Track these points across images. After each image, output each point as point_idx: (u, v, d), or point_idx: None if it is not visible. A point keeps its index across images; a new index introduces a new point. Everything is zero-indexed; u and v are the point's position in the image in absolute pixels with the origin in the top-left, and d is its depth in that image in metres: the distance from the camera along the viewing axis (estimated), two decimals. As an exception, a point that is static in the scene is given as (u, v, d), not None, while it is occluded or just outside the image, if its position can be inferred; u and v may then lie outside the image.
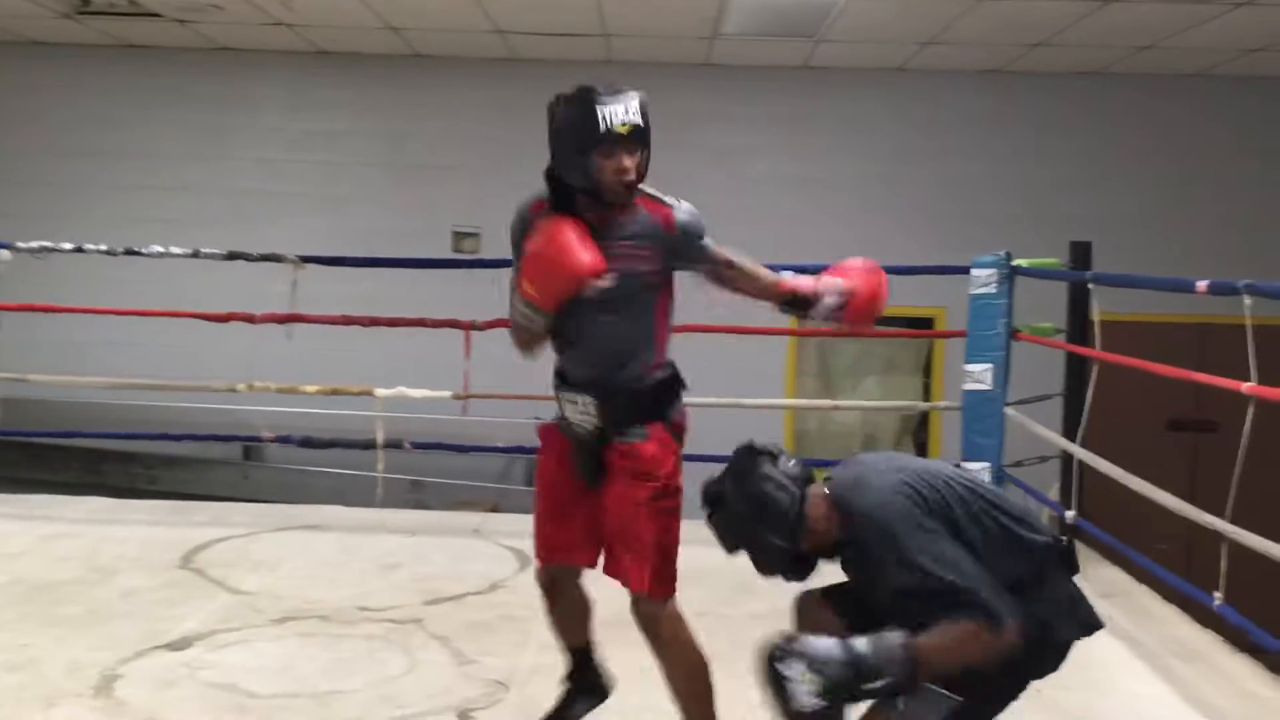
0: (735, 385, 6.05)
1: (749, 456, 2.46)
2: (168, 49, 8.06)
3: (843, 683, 2.16)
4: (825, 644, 2.19)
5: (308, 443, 5.44)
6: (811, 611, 2.56)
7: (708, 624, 3.75)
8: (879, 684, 2.17)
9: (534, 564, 2.73)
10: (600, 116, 2.36)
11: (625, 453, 2.53)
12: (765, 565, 2.48)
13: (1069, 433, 4.82)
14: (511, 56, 7.88)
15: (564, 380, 2.63)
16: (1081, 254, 5.01)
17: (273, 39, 7.73)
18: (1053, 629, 2.38)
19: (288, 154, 8.17)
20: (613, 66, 7.99)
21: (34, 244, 5.28)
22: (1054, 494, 5.10)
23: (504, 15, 6.99)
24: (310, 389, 5.41)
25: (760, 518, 2.39)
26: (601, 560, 2.62)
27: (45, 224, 6.71)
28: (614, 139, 2.37)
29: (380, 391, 5.18)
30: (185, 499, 5.80)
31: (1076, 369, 4.95)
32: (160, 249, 5.37)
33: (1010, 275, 4.85)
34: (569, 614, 2.78)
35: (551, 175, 2.48)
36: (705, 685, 2.62)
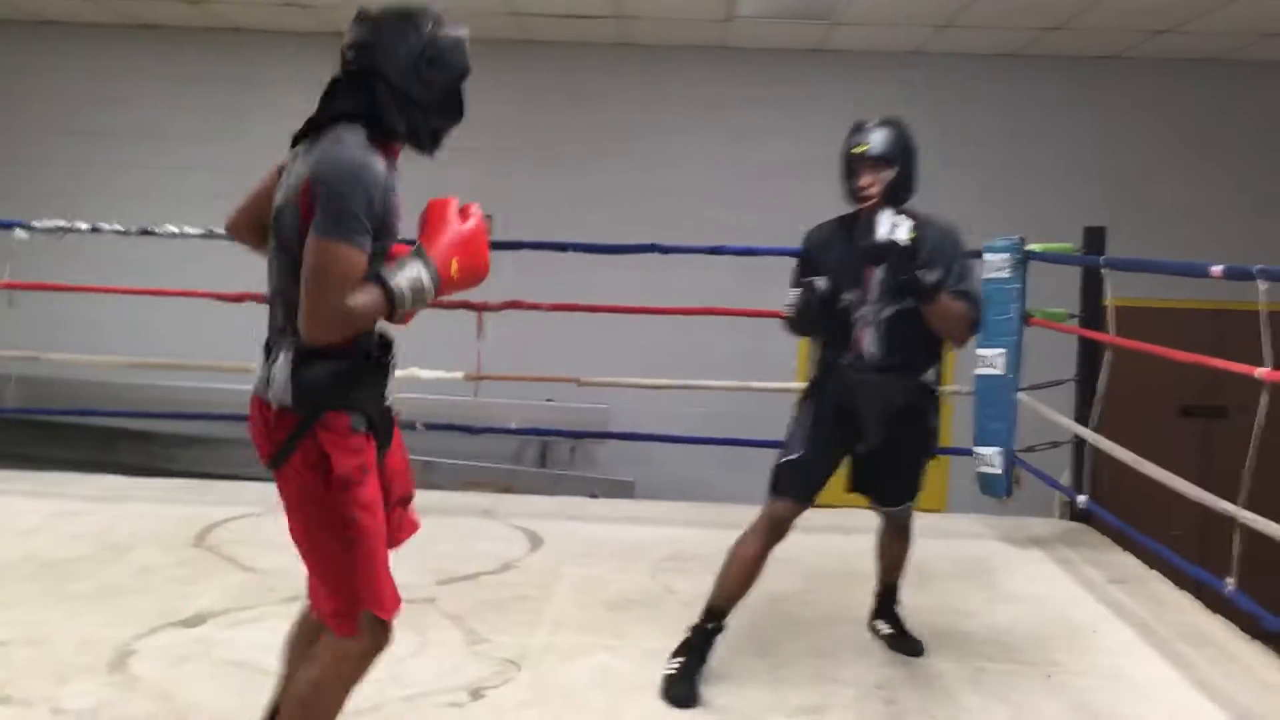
0: (745, 369, 6.06)
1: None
2: (182, 29, 8.07)
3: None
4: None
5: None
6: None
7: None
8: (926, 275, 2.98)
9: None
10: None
11: None
12: (894, 195, 3.10)
13: (1081, 418, 4.81)
14: (526, 38, 7.86)
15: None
16: (1095, 239, 4.99)
17: (287, 20, 7.72)
18: None
19: (302, 134, 8.16)
20: (627, 49, 7.98)
21: (50, 223, 5.30)
22: (1066, 479, 5.10)
23: (518, -4, 6.98)
24: (323, 369, 5.42)
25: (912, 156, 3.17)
26: None
27: (60, 204, 6.72)
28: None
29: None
30: (199, 478, 5.83)
31: (1089, 354, 4.94)
32: (174, 229, 5.39)
33: (1024, 260, 4.83)
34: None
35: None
36: None
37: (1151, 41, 7.41)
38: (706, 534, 4.60)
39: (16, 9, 7.83)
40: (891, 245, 2.94)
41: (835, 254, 3.16)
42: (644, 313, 5.67)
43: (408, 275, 2.10)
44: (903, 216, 2.98)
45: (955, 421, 8.03)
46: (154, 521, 4.60)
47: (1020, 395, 4.86)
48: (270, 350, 2.17)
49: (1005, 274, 4.85)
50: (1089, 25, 7.06)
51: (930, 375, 3.22)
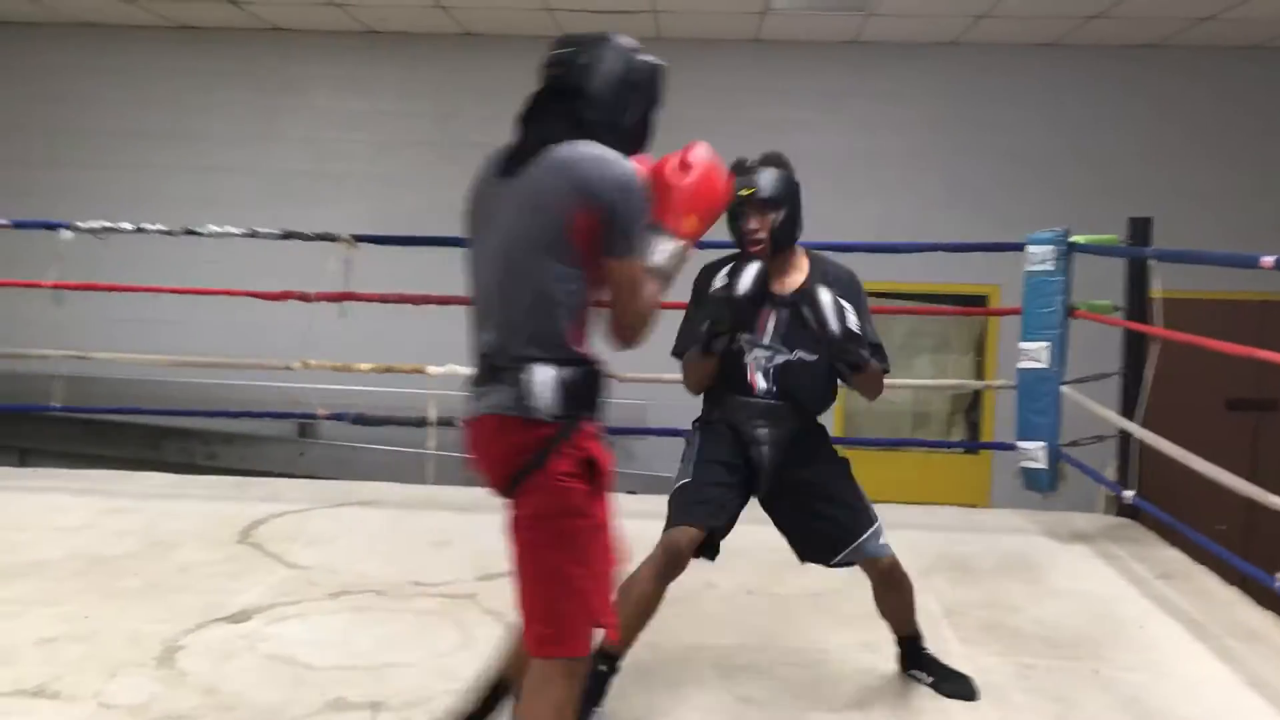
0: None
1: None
2: (220, 29, 8.14)
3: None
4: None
5: (361, 420, 5.50)
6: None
7: (755, 601, 3.77)
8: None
9: None
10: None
11: None
12: (783, 237, 2.95)
13: (1127, 411, 4.75)
14: (560, 34, 7.86)
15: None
16: (1141, 230, 4.92)
17: (324, 19, 7.78)
18: None
19: (339, 133, 8.23)
20: (662, 43, 7.95)
21: (94, 224, 5.36)
22: (1111, 473, 5.04)
23: (553, -8, 6.99)
24: (364, 367, 5.47)
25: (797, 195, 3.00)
26: None
27: (103, 205, 6.81)
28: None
29: (432, 369, 5.21)
30: (242, 475, 5.88)
31: (1135, 347, 4.88)
32: (217, 229, 5.44)
33: (1068, 252, 4.77)
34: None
35: None
36: None
37: (1194, 29, 7.30)
38: (743, 529, 4.56)
39: (58, 12, 7.93)
40: (848, 334, 2.81)
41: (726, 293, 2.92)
42: (682, 308, 5.65)
43: (663, 253, 2.19)
44: (830, 297, 2.84)
45: (998, 415, 8.03)
46: (199, 519, 4.64)
47: (1064, 389, 4.81)
48: (493, 369, 2.15)
49: (1049, 266, 4.80)
50: (1129, 13, 6.96)
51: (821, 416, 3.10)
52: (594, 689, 2.80)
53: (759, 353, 3.00)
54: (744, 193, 2.93)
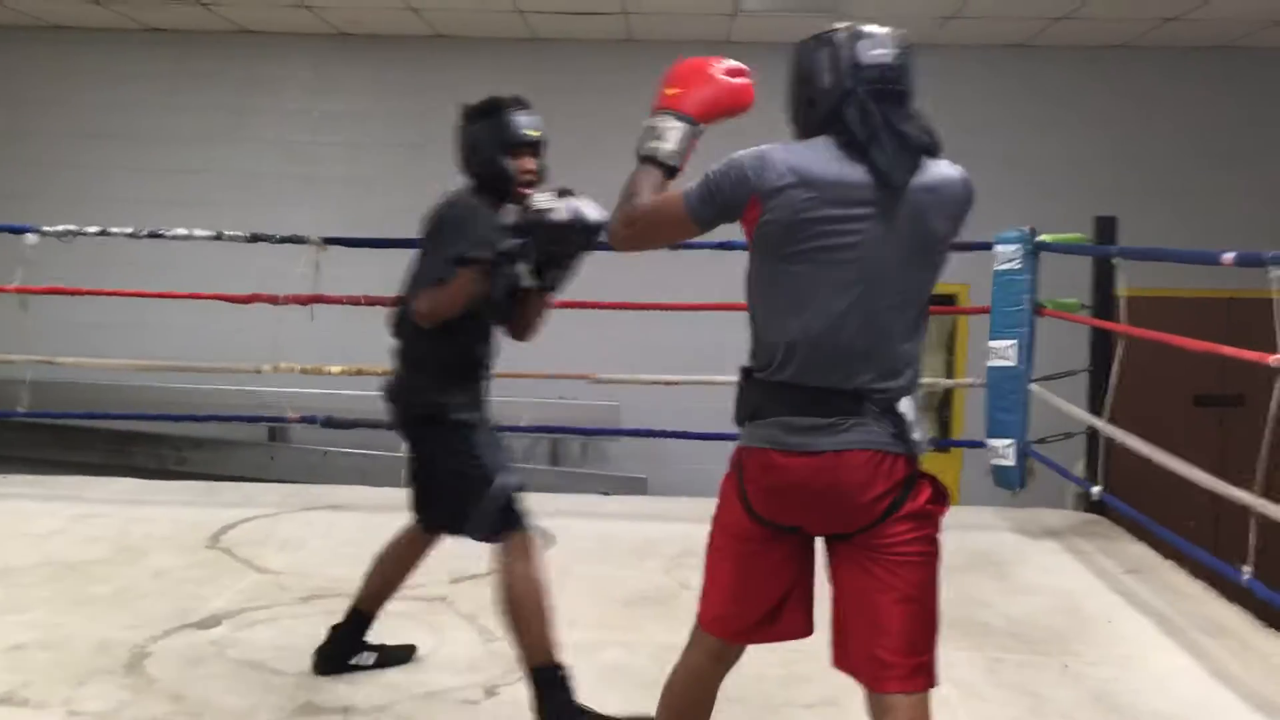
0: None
1: None
2: (191, 32, 8.09)
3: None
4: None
5: (331, 423, 5.47)
6: None
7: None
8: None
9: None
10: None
11: None
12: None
13: (1094, 408, 4.79)
14: (532, 36, 7.87)
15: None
16: (1107, 229, 4.97)
17: (294, 21, 7.74)
18: None
19: (310, 135, 8.19)
20: (632, 45, 7.97)
21: (59, 227, 5.31)
22: (1079, 470, 5.08)
23: (523, -6, 6.98)
24: (334, 370, 5.44)
25: None
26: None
27: (70, 207, 6.75)
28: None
29: (403, 372, 5.19)
30: (212, 480, 5.84)
31: (1102, 344, 4.93)
32: (184, 231, 5.40)
33: (1034, 251, 4.81)
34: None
35: None
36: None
37: (1159, 30, 7.38)
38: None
39: (28, 14, 7.85)
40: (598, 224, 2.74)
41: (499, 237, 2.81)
42: (655, 309, 5.66)
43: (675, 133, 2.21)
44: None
45: (967, 414, 8.08)
46: (168, 524, 4.61)
47: (1032, 386, 4.85)
48: (856, 400, 1.98)
49: (1016, 265, 4.84)
50: (1096, 14, 7.03)
51: None
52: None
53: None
54: (535, 134, 2.90)
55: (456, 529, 2.91)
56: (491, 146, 2.87)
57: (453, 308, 2.77)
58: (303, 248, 5.23)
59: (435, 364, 2.89)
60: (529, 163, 2.89)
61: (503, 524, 2.84)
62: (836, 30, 2.12)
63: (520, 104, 2.93)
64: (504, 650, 3.29)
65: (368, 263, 5.60)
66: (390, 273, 7.02)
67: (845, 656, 2.06)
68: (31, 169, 8.08)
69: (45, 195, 7.73)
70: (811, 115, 2.09)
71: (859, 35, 2.10)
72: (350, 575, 3.97)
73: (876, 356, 1.99)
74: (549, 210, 2.74)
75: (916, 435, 2.01)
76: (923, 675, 2.01)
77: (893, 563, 1.98)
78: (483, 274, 2.75)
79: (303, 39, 8.11)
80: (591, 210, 2.76)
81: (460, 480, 2.86)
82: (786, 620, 2.11)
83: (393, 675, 3.11)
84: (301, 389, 6.51)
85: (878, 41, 2.11)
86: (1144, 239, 5.26)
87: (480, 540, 2.86)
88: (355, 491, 5.34)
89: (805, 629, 2.13)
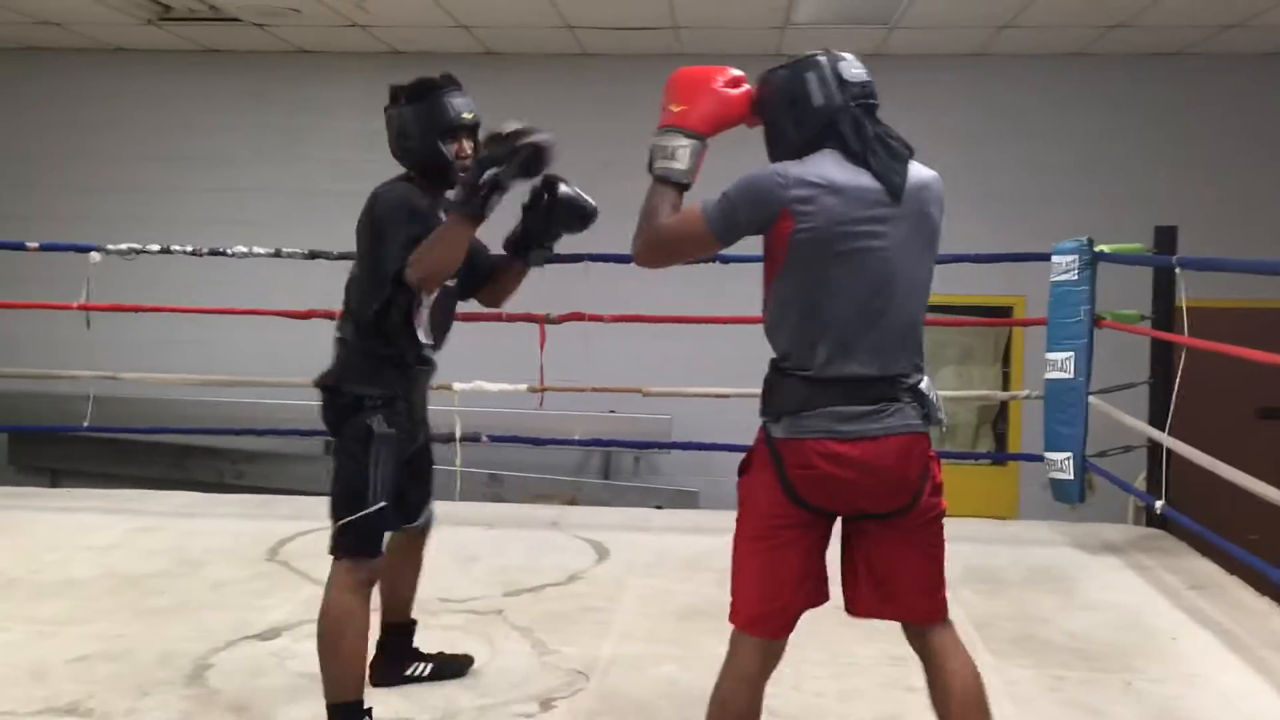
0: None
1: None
2: (246, 53, 8.24)
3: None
4: None
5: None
6: None
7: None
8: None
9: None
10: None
11: None
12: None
13: (1156, 421, 4.71)
14: (581, 51, 7.91)
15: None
16: (1167, 238, 4.89)
17: (348, 40, 7.85)
18: None
19: (362, 154, 8.24)
20: (682, 59, 7.97)
21: (122, 246, 5.42)
22: (1140, 484, 5.00)
23: (574, 10, 7.02)
24: (388, 384, 5.48)
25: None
26: None
27: (132, 227, 6.89)
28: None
29: (458, 385, 5.23)
30: (269, 493, 5.91)
31: (1163, 356, 4.85)
32: (244, 249, 5.48)
33: (1092, 261, 4.75)
34: None
35: None
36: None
37: (1219, 37, 7.26)
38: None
39: (87, 38, 8.03)
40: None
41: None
42: (706, 322, 5.66)
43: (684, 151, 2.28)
44: None
45: (1025, 427, 7.97)
46: (227, 537, 4.67)
47: (1092, 399, 4.78)
48: (893, 386, 2.20)
49: (1073, 276, 4.78)
50: (1152, 22, 6.93)
51: None
52: None
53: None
54: (470, 116, 2.83)
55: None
56: (426, 131, 2.76)
57: (454, 257, 2.69)
58: (358, 264, 5.28)
59: (366, 355, 2.77)
60: (465, 147, 2.79)
61: (349, 548, 2.73)
62: (816, 54, 2.26)
63: (454, 84, 2.84)
64: (559, 663, 3.31)
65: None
66: (444, 288, 7.08)
67: (886, 607, 2.30)
68: (89, 190, 8.24)
69: (102, 216, 7.86)
70: (801, 134, 2.22)
71: (837, 57, 2.25)
72: (406, 588, 4.02)
73: (907, 345, 2.22)
74: (524, 132, 2.64)
75: (941, 415, 2.25)
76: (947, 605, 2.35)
77: (922, 526, 2.25)
78: (472, 218, 2.66)
79: (355, 58, 8.22)
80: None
81: (340, 482, 2.75)
82: (814, 597, 2.28)
83: (449, 688, 3.12)
84: (356, 403, 6.57)
85: (852, 62, 2.26)
86: (1205, 249, 5.18)
87: (329, 551, 2.76)
88: (410, 505, 5.38)
89: (825, 597, 2.30)
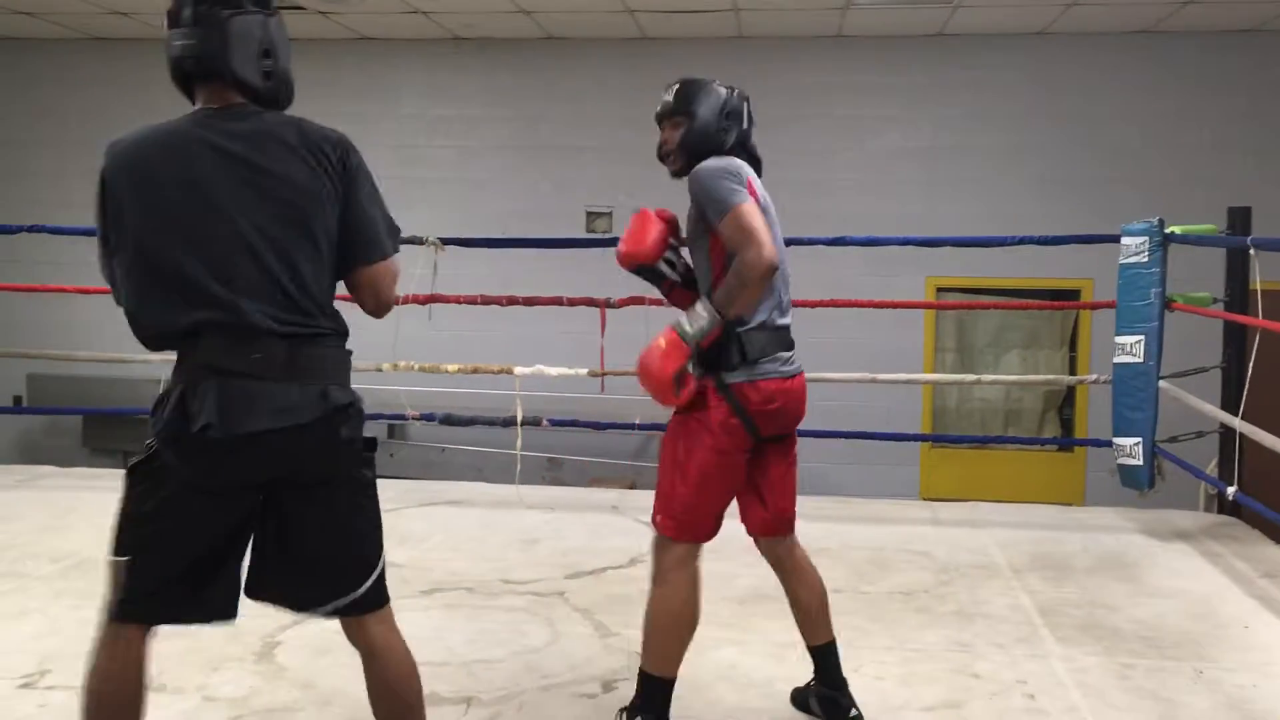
0: (873, 361, 5.97)
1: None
2: (311, 40, 8.32)
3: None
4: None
5: (449, 420, 5.57)
6: None
7: (842, 601, 3.73)
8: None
9: None
10: None
11: None
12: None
13: (1229, 406, 4.61)
14: (642, 35, 7.89)
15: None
16: (1241, 219, 4.77)
17: (411, 27, 7.90)
18: None
19: (426, 140, 8.36)
20: (743, 42, 7.94)
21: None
22: (1212, 470, 4.89)
23: (634, -6, 7.01)
24: (451, 368, 5.54)
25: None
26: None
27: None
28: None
29: (519, 369, 5.26)
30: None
31: (1236, 339, 4.74)
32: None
33: (1163, 243, 4.65)
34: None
35: None
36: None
37: (1295, 11, 7.07)
38: (829, 528, 4.55)
39: (150, 27, 8.16)
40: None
41: None
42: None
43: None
44: None
45: (1092, 412, 7.85)
46: (294, 518, 4.73)
47: (1162, 383, 4.69)
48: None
49: (1143, 258, 4.69)
50: (1226, -3, 6.77)
51: None
52: None
53: None
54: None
55: None
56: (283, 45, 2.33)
57: None
58: (421, 249, 5.33)
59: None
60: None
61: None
62: (719, 84, 2.77)
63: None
64: (620, 645, 3.32)
65: (483, 263, 5.70)
66: (501, 272, 7.14)
67: (774, 521, 2.81)
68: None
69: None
70: (726, 139, 2.72)
71: (732, 88, 2.78)
72: (470, 569, 4.06)
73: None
74: None
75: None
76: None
77: (790, 445, 2.79)
78: None
79: (418, 44, 8.28)
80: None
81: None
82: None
83: (511, 669, 3.15)
84: (420, 387, 6.64)
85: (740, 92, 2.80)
86: (1276, 230, 5.04)
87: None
88: (473, 488, 5.43)
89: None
